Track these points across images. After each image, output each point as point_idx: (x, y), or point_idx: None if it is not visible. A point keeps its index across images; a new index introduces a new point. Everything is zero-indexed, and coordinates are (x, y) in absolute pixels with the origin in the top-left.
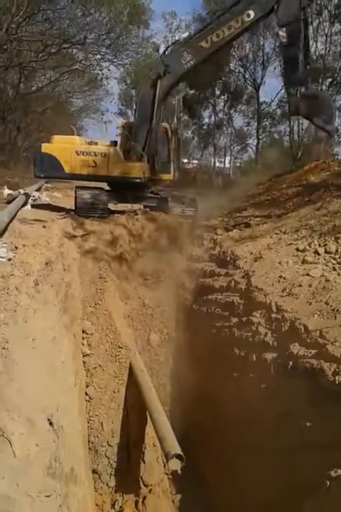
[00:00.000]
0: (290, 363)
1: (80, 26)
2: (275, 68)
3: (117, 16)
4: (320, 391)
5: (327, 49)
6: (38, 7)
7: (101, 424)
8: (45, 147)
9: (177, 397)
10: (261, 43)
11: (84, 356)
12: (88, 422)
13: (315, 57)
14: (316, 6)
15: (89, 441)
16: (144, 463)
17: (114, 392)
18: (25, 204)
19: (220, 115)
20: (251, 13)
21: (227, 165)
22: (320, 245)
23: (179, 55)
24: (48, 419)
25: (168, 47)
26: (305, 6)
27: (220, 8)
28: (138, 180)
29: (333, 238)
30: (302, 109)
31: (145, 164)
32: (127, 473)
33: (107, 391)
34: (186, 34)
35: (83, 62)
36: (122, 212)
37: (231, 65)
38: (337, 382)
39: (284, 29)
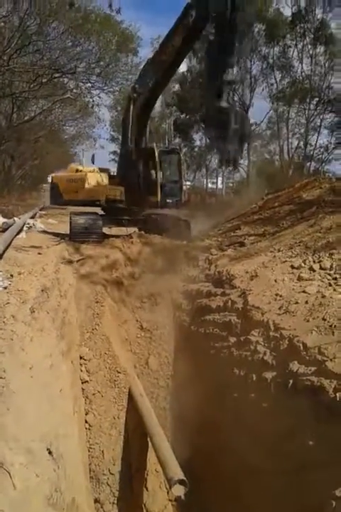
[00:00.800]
0: (291, 381)
1: (70, 56)
2: (263, 90)
3: (106, 44)
4: (322, 409)
5: (313, 70)
6: (28, 39)
7: (102, 451)
8: (53, 177)
9: (178, 421)
10: (249, 66)
11: (82, 383)
12: (89, 450)
13: (301, 77)
14: (299, 28)
15: (90, 470)
16: (147, 490)
17: (114, 418)
18: (20, 231)
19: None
20: (193, 13)
21: (220, 186)
22: (314, 262)
23: (145, 75)
24: (47, 449)
25: (145, 65)
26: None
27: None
28: (119, 203)
29: (327, 254)
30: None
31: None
32: (130, 502)
33: (107, 417)
34: None
35: (74, 90)
36: (117, 236)
37: None
38: (338, 399)
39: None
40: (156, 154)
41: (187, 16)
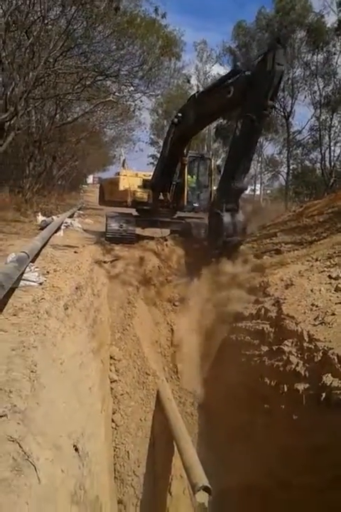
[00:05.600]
0: (323, 394)
1: (114, 59)
2: (305, 97)
3: (150, 48)
4: None
5: None
6: (74, 42)
7: (128, 452)
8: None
9: (205, 429)
10: (290, 72)
11: (111, 382)
12: (114, 450)
13: None
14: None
15: (114, 470)
16: (171, 494)
17: (141, 420)
18: (58, 230)
19: None
20: (231, 89)
21: (257, 192)
22: None
23: (189, 112)
24: (74, 445)
25: (190, 97)
26: (267, 110)
27: (248, 41)
28: (145, 206)
29: None
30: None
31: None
32: (153, 505)
33: (134, 419)
34: (216, 65)
35: (117, 93)
36: (151, 238)
37: None
38: None
39: (242, 120)
40: (186, 160)
41: (225, 90)
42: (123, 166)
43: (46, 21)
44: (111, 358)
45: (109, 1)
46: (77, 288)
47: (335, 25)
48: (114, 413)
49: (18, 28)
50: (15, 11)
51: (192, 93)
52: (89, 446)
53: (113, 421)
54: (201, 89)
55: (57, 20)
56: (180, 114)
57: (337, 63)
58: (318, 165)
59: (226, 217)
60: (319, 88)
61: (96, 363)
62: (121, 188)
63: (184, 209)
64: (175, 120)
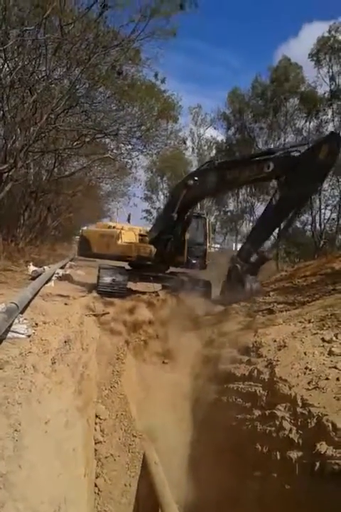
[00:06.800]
0: (317, 463)
1: (114, 119)
2: None
3: (148, 111)
4: None
5: None
6: (76, 101)
7: None
8: (83, 231)
9: (192, 495)
10: (282, 138)
11: (95, 443)
12: None
13: None
14: (337, 105)
15: None
16: None
17: (126, 485)
18: (49, 280)
19: (243, 203)
20: (271, 164)
21: None
22: None
23: (207, 176)
24: None
25: (204, 163)
26: (309, 194)
27: (242, 107)
28: (148, 261)
29: None
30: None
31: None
32: None
33: (118, 484)
34: (210, 128)
35: (114, 151)
36: (143, 293)
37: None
38: None
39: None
40: (185, 218)
41: (262, 164)
42: (128, 220)
43: (50, 80)
44: (96, 416)
45: (111, 65)
46: (65, 342)
47: (327, 96)
48: (97, 477)
49: (22, 85)
50: (20, 70)
51: (187, 154)
52: None
53: (95, 485)
54: (196, 150)
55: (61, 80)
56: (196, 178)
57: (327, 130)
58: (308, 227)
59: (248, 284)
60: None
61: (81, 422)
62: (123, 242)
63: (183, 265)
64: (190, 182)
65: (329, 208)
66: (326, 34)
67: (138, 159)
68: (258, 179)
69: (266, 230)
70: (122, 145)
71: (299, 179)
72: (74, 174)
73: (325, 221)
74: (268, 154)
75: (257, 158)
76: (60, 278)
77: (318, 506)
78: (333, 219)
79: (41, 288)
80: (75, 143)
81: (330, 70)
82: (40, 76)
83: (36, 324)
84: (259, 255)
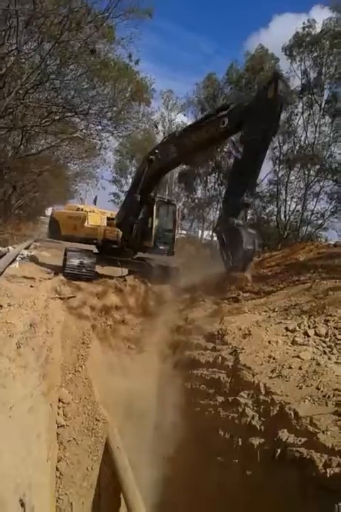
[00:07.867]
0: (279, 450)
1: (85, 98)
2: None
3: (121, 91)
4: (310, 483)
5: (317, 139)
6: (46, 77)
7: (71, 504)
8: (53, 213)
9: (155, 481)
10: None
11: (58, 427)
12: (57, 501)
13: (304, 145)
14: (307, 99)
15: None
16: None
17: (88, 469)
18: (13, 261)
19: (211, 192)
20: (226, 120)
21: (215, 238)
22: (309, 327)
23: (167, 148)
24: (20, 500)
25: (165, 138)
26: (269, 132)
27: (210, 95)
28: (114, 244)
29: (323, 321)
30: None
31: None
32: None
33: (80, 468)
34: (180, 114)
35: (84, 130)
36: (110, 277)
37: (225, 147)
38: (328, 475)
39: (243, 145)
40: (155, 204)
41: (218, 121)
42: (94, 202)
43: (20, 54)
44: (59, 400)
45: (84, 42)
46: (31, 325)
47: (299, 89)
48: (58, 461)
49: None
50: None
51: (158, 139)
52: (35, 499)
53: (57, 469)
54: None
55: (32, 55)
56: (156, 151)
57: (298, 123)
58: (273, 217)
59: (243, 230)
60: (279, 145)
61: (45, 407)
62: (89, 224)
63: (150, 250)
64: (151, 157)
65: (294, 199)
66: (300, 30)
67: (107, 141)
68: (216, 138)
69: (241, 180)
70: (92, 125)
71: (256, 119)
72: (42, 153)
73: (290, 212)
74: (222, 111)
75: (212, 118)
76: (25, 259)
77: (278, 492)
78: (298, 211)
79: (5, 269)
80: (44, 120)
81: (303, 64)
82: (9, 49)
83: (0, 306)
84: (242, 203)
